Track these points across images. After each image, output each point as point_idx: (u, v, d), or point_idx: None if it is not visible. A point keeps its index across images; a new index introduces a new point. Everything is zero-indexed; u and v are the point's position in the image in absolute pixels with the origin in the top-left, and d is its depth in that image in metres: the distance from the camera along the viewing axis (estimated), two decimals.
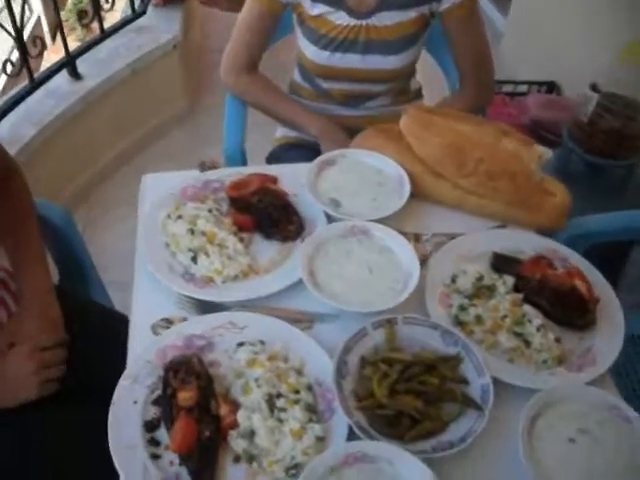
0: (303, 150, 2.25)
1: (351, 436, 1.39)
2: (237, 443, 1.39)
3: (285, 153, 2.31)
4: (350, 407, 1.41)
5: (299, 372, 1.49)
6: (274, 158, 2.36)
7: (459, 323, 1.64)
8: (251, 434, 1.39)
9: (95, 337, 1.77)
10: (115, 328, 1.72)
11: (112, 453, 1.35)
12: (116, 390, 1.44)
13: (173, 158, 3.63)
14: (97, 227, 3.24)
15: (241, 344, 1.53)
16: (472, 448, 1.39)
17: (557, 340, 1.60)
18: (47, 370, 1.56)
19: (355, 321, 1.43)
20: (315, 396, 1.47)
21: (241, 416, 1.41)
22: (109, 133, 3.70)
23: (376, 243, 1.63)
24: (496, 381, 1.37)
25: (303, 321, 1.62)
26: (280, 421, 1.40)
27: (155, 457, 1.37)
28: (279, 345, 1.52)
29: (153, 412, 1.45)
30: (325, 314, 1.53)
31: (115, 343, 1.57)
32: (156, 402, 1.45)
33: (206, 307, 1.62)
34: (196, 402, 1.39)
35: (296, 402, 1.43)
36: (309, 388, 1.48)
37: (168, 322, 1.57)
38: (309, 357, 1.51)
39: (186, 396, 1.38)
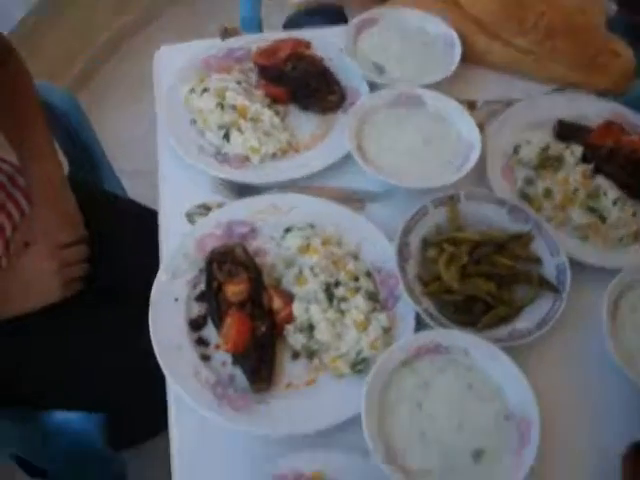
0: (326, 15, 1.99)
1: (418, 326, 1.24)
2: (295, 338, 1.24)
3: (305, 19, 2.04)
4: (416, 293, 1.25)
5: (355, 257, 1.32)
6: (293, 25, 2.09)
7: (525, 198, 1.46)
8: (309, 328, 1.24)
9: (118, 232, 1.63)
10: (140, 221, 1.59)
11: (157, 355, 1.19)
12: (154, 287, 1.27)
13: (181, 33, 3.28)
14: (100, 114, 2.96)
15: (289, 229, 1.35)
16: (550, 334, 1.24)
17: (634, 214, 1.43)
18: (69, 268, 1.43)
19: (411, 199, 1.30)
20: (376, 283, 1.30)
21: (297, 309, 1.25)
22: (110, 3, 3.34)
23: (429, 112, 1.43)
24: (569, 261, 1.25)
25: (354, 201, 1.44)
26: (341, 312, 1.24)
27: (205, 358, 1.22)
28: (331, 228, 1.34)
29: (197, 309, 1.29)
30: (377, 193, 1.36)
31: (141, 237, 1.45)
32: (200, 298, 1.29)
33: (244, 190, 1.43)
34: (248, 296, 1.23)
35: (357, 290, 1.27)
36: (368, 274, 1.31)
37: (205, 208, 1.38)
38: (365, 241, 1.34)
39: (236, 290, 1.22)
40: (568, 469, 1.10)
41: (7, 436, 1.59)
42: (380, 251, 1.34)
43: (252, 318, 1.23)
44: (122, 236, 1.61)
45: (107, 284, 1.52)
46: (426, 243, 1.26)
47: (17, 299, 1.35)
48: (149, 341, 1.20)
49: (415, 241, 1.26)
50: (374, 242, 1.35)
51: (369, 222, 1.37)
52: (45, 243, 1.38)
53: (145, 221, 1.60)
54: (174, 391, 1.21)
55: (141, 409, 1.63)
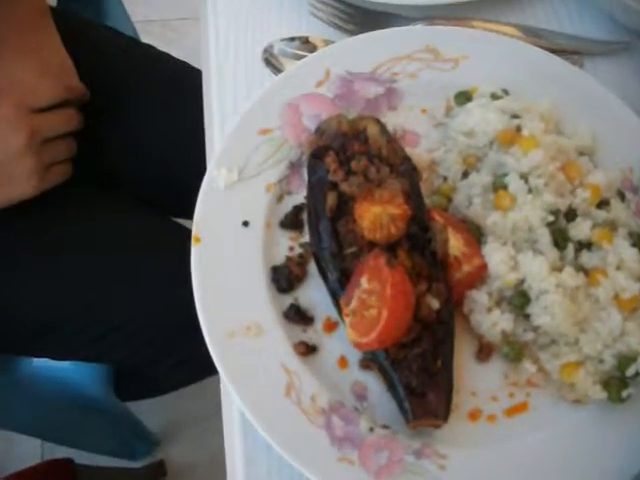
0: None
1: None
2: (488, 320, 0.55)
3: None
4: None
5: (590, 157, 0.62)
6: None
7: None
8: (520, 300, 0.54)
9: (134, 90, 1.01)
10: (170, 78, 1.03)
11: (208, 341, 0.54)
12: (200, 198, 0.59)
13: None
14: None
15: (464, 95, 0.62)
16: None
17: None
18: (50, 145, 0.84)
19: None
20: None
21: (494, 259, 0.55)
22: None
23: None
24: None
25: (562, 52, 0.71)
26: (585, 272, 0.55)
27: (307, 352, 0.54)
28: (545, 101, 0.62)
29: (289, 247, 0.58)
30: (606, 42, 0.75)
31: (172, 101, 0.95)
32: (294, 224, 0.58)
33: (371, 19, 0.69)
34: (404, 228, 0.52)
35: (611, 227, 0.56)
36: (620, 195, 0.61)
37: (301, 43, 0.64)
38: (603, 125, 0.63)
39: (383, 216, 0.51)
40: None
41: None
42: (630, 147, 0.63)
43: (412, 277, 0.53)
44: (140, 98, 1.00)
45: (115, 172, 1.00)
46: None
47: None
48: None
49: None
50: (618, 129, 0.63)
51: (606, 89, 0.64)
52: (11, 100, 0.80)
53: (178, 80, 0.90)
54: (238, 410, 0.54)
55: (165, 355, 1.01)
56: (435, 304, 0.55)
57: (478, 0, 0.74)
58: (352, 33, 0.71)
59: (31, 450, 1.44)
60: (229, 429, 0.60)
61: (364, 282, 0.54)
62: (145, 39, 1.24)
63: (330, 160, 0.59)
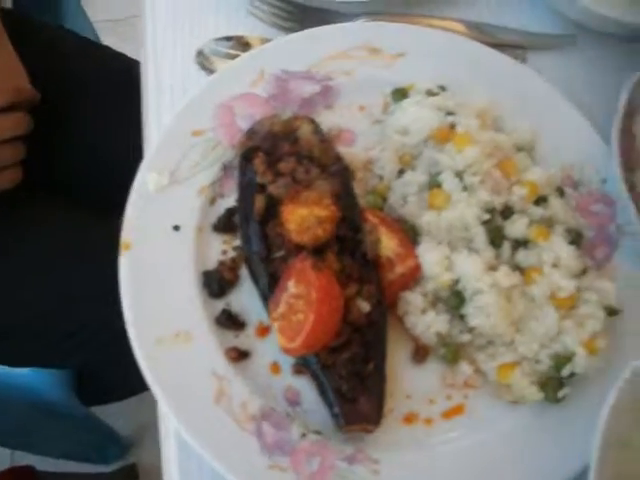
0: None
1: None
2: (422, 322, 0.54)
3: None
4: None
5: (529, 153, 0.61)
6: None
7: None
8: (456, 301, 0.53)
9: (89, 92, 0.99)
10: (113, 75, 1.00)
11: (135, 350, 0.53)
12: (130, 203, 0.58)
13: None
14: None
15: (400, 92, 0.61)
16: None
17: None
18: None
19: (611, 51, 0.72)
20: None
21: (429, 259, 0.54)
22: None
23: None
24: None
25: (507, 48, 0.69)
26: (520, 271, 0.54)
27: (239, 358, 0.53)
28: (482, 96, 0.61)
29: (221, 251, 0.56)
30: (548, 36, 0.67)
31: (123, 103, 0.88)
32: (226, 227, 0.57)
33: (310, 16, 0.67)
34: (332, 230, 0.51)
35: (547, 224, 0.55)
36: (559, 192, 0.59)
37: (237, 44, 0.63)
38: (544, 121, 0.61)
39: (309, 218, 0.49)
40: None
41: None
42: (572, 143, 0.61)
43: (341, 280, 0.51)
44: (93, 99, 0.98)
45: (67, 176, 0.97)
46: None
47: None
48: None
49: None
50: (560, 125, 0.62)
51: (549, 84, 0.63)
52: None
53: (134, 80, 0.88)
54: (173, 426, 0.53)
55: (122, 359, 0.97)
56: (365, 307, 0.53)
57: None
58: (292, 31, 0.69)
59: (0, 458, 1.42)
60: (165, 438, 0.59)
61: (291, 286, 0.53)
62: (109, 39, 1.22)
63: (258, 162, 0.57)
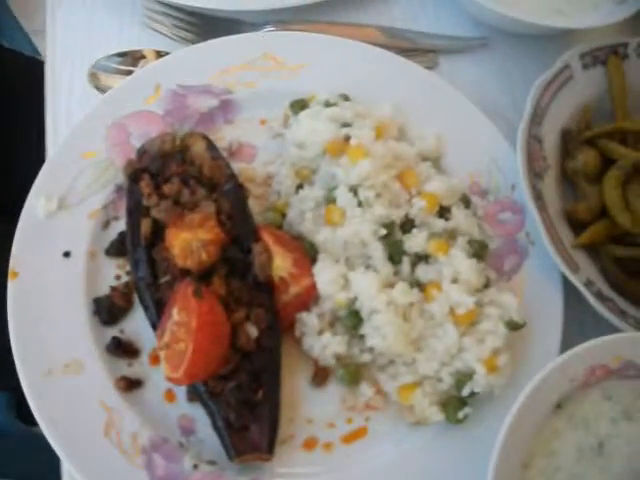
0: None
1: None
2: (320, 343, 0.52)
3: None
4: (565, 246, 0.53)
5: (435, 164, 0.58)
6: None
7: None
8: (353, 320, 0.51)
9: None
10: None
11: (24, 386, 0.51)
12: (19, 229, 0.54)
13: None
14: None
15: (301, 104, 0.59)
16: None
17: None
18: None
19: (521, 52, 0.72)
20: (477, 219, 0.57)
21: (324, 278, 0.53)
22: None
23: None
24: None
25: (417, 53, 0.67)
26: (419, 287, 0.52)
27: (130, 387, 0.51)
28: (386, 106, 0.59)
29: (113, 276, 0.54)
30: (460, 39, 0.64)
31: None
32: (116, 251, 0.55)
33: (212, 26, 0.65)
34: (219, 254, 0.49)
35: (450, 235, 0.54)
36: (465, 201, 0.58)
37: (130, 59, 0.61)
38: (451, 128, 0.60)
39: (193, 241, 0.47)
40: None
41: None
42: (479, 150, 0.59)
43: (229, 304, 0.49)
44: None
45: None
46: (571, 139, 0.49)
47: None
48: None
49: (551, 135, 0.57)
50: (468, 132, 0.60)
51: (457, 90, 0.61)
52: None
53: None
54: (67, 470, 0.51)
55: None
56: (254, 332, 0.51)
57: (328, 1, 0.70)
58: (193, 44, 0.67)
59: None
60: (65, 471, 0.57)
61: (175, 313, 0.51)
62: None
63: (144, 184, 0.55)
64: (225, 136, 0.62)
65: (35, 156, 0.91)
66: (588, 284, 0.57)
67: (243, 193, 0.57)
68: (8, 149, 0.94)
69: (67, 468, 0.55)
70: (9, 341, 0.89)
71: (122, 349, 0.55)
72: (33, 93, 0.96)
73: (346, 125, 0.58)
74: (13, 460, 1.26)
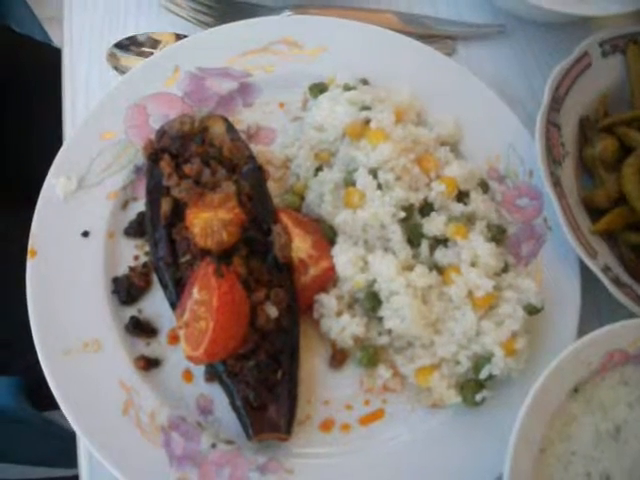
0: None
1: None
2: (338, 325, 0.52)
3: None
4: (584, 232, 0.52)
5: (453, 149, 0.58)
6: None
7: None
8: (372, 302, 0.51)
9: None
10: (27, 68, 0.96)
11: (43, 364, 0.50)
12: (38, 211, 0.54)
13: None
14: None
15: (320, 88, 0.58)
16: None
17: None
18: None
19: (540, 41, 0.71)
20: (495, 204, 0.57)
21: (343, 260, 0.52)
22: None
23: None
24: None
25: (435, 39, 0.67)
26: (438, 270, 0.51)
27: (149, 366, 0.50)
28: (405, 90, 0.58)
29: (131, 257, 0.54)
30: (478, 27, 0.68)
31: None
32: (136, 232, 0.54)
33: (228, 11, 0.65)
34: (239, 235, 0.48)
35: (468, 220, 0.53)
36: (483, 186, 0.57)
37: (145, 43, 0.60)
38: (468, 115, 0.59)
39: (213, 222, 0.47)
40: None
41: None
42: (497, 136, 0.59)
43: (249, 284, 0.49)
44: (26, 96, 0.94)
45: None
46: (589, 127, 0.49)
47: None
48: None
49: (569, 122, 0.60)
50: (486, 118, 0.60)
51: (475, 76, 0.61)
52: None
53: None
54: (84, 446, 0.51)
55: None
56: (274, 312, 0.51)
57: None
58: (211, 27, 0.67)
59: None
60: (82, 450, 0.57)
61: (195, 293, 0.51)
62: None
63: (164, 164, 0.55)
64: (244, 119, 0.62)
65: (50, 141, 0.91)
66: (605, 270, 0.57)
67: (262, 175, 0.57)
68: (23, 132, 0.94)
69: (82, 449, 0.55)
70: (17, 326, 0.89)
71: (140, 328, 0.55)
72: (48, 77, 0.96)
73: (365, 108, 0.58)
74: (24, 445, 1.27)
